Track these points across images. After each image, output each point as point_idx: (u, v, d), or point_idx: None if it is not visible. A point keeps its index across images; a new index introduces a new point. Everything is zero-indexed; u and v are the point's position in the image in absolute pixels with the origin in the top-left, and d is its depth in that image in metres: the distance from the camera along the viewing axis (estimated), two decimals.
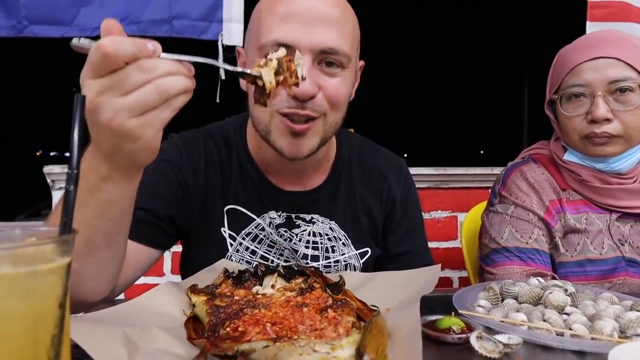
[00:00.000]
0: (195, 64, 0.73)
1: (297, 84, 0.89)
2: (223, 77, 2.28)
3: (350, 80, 1.12)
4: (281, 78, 0.87)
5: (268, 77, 0.84)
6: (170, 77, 0.68)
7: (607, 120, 1.27)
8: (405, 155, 1.43)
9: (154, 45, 0.68)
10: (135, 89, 0.66)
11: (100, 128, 0.69)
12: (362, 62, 1.21)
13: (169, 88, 0.68)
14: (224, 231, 1.19)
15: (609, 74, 1.27)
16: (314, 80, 1.02)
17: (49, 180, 2.33)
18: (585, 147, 1.33)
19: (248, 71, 0.84)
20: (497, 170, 2.48)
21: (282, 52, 0.88)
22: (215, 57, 2.29)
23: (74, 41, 0.66)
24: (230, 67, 0.83)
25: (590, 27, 2.47)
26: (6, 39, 2.36)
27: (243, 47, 1.19)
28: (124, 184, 0.79)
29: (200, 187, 1.19)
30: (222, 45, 2.35)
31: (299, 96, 1.00)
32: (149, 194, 1.09)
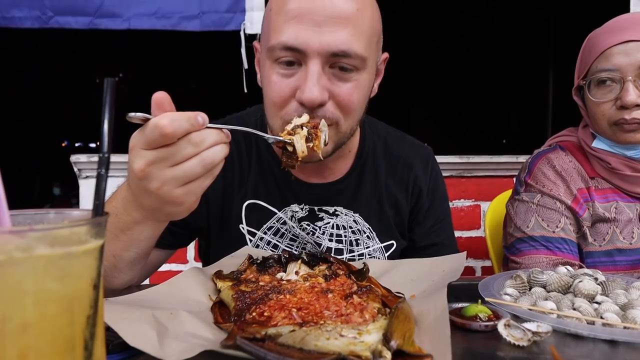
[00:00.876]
0: (232, 131, 0.78)
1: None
2: (246, 66, 2.29)
3: (367, 82, 1.05)
4: (312, 145, 0.92)
5: (300, 144, 0.90)
6: (214, 148, 0.73)
7: (638, 106, 1.24)
8: (426, 144, 1.39)
9: (202, 119, 0.71)
10: (183, 161, 0.71)
11: (147, 193, 0.74)
12: (385, 55, 1.16)
13: (214, 160, 0.73)
14: (242, 228, 1.19)
15: None
16: (323, 86, 0.96)
17: (75, 169, 2.38)
18: (615, 134, 1.29)
19: (281, 139, 0.90)
20: (522, 158, 2.45)
21: (305, 117, 0.94)
22: (238, 47, 2.30)
23: (130, 115, 0.69)
24: (265, 135, 0.89)
25: (635, 4, 2.38)
26: (30, 30, 2.41)
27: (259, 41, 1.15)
28: (155, 228, 0.87)
29: (217, 187, 1.18)
30: (245, 34, 2.36)
31: (306, 104, 0.96)
32: None
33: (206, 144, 0.72)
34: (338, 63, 0.98)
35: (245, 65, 2.30)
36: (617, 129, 1.28)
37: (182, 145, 0.70)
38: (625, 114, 1.25)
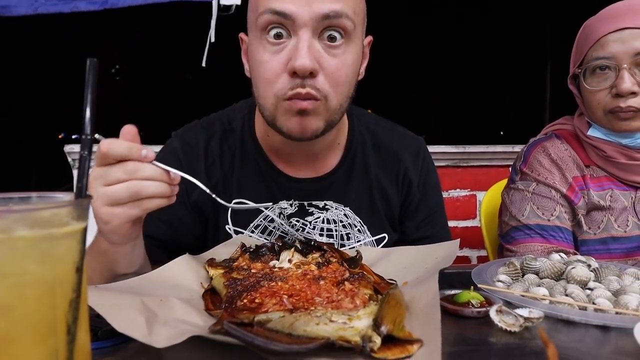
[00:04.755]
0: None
1: None
2: (213, 39, 2.22)
3: (355, 56, 1.04)
4: None
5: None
6: (146, 182, 0.78)
7: (633, 93, 1.23)
8: (423, 136, 1.36)
9: (147, 152, 0.79)
10: (113, 183, 0.77)
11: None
12: (370, 38, 1.14)
13: (142, 190, 0.78)
14: (229, 228, 1.16)
15: (635, 46, 1.22)
16: (313, 56, 0.97)
17: (69, 159, 2.37)
18: (610, 122, 1.29)
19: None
20: (518, 148, 2.44)
21: None
22: (209, 19, 2.24)
23: (97, 136, 0.73)
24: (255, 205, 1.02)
25: None
26: (29, 21, 2.39)
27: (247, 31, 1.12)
28: (121, 250, 0.88)
29: (205, 194, 1.14)
30: (219, 5, 2.28)
31: (298, 72, 0.95)
32: (148, 219, 0.98)
33: (139, 174, 0.78)
34: (328, 29, 0.98)
35: (212, 38, 2.21)
36: (612, 117, 1.28)
37: (115, 169, 0.77)
38: (621, 102, 1.24)
